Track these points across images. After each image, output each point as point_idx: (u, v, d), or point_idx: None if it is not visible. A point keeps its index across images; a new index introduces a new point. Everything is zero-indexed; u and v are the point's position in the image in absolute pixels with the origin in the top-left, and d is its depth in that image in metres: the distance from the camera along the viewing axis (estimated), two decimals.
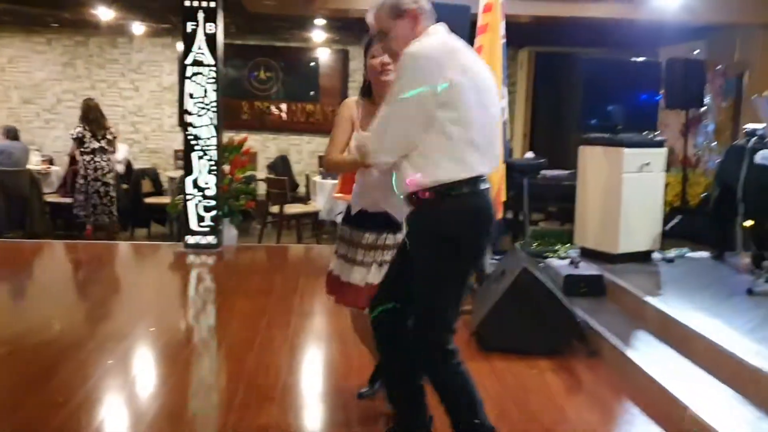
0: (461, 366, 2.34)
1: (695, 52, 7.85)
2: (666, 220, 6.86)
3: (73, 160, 7.59)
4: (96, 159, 7.31)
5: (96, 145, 7.27)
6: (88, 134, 7.25)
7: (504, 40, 4.44)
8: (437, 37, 2.29)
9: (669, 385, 3.00)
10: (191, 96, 6.12)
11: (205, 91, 6.11)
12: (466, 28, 5.20)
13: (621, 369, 3.44)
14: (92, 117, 7.41)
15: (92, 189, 7.27)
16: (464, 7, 5.31)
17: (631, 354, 3.43)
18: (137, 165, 9.44)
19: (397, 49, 2.30)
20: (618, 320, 3.94)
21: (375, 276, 2.67)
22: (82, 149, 7.26)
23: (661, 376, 3.11)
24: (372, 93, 2.71)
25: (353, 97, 2.80)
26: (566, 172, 6.91)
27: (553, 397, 3.17)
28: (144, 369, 3.57)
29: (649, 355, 3.42)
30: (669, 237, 6.23)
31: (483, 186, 2.28)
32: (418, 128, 2.21)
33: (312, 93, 10.34)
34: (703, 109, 7.46)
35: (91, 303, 4.92)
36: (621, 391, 3.25)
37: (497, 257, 5.29)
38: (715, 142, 7.57)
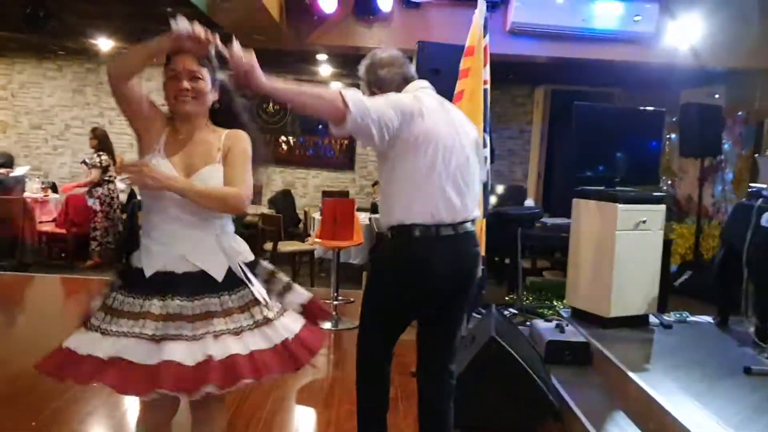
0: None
1: (715, 96, 7.47)
2: (676, 275, 6.46)
3: (92, 187, 7.54)
4: (113, 188, 7.55)
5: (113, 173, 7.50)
6: (111, 162, 7.46)
7: (487, 86, 4.15)
8: None
9: None
10: None
11: None
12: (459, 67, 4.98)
13: None
14: (108, 144, 7.56)
15: (117, 217, 7.46)
16: (456, 46, 5.08)
17: None
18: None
19: None
20: (598, 397, 3.56)
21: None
22: (106, 177, 7.44)
23: None
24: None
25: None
26: (568, 220, 6.56)
27: None
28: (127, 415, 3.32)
29: None
30: (678, 293, 5.83)
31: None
32: None
33: (321, 126, 10.17)
34: (720, 157, 7.06)
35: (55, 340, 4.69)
36: None
37: (483, 311, 4.98)
38: (733, 195, 7.14)
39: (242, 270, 2.12)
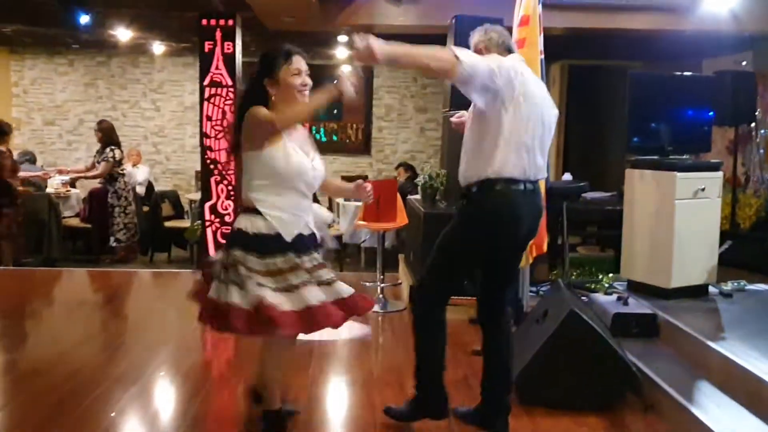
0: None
1: (743, 64, 7.39)
2: None
3: (108, 182, 7.45)
4: (127, 180, 7.50)
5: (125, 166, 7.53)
6: (122, 156, 7.45)
7: (542, 56, 4.06)
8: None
9: None
10: (209, 118, 5.84)
11: (224, 113, 5.83)
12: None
13: (683, 427, 3.01)
14: (115, 138, 7.43)
15: (133, 211, 7.45)
16: (495, 19, 4.99)
17: (695, 410, 2.99)
18: (158, 187, 9.24)
19: None
20: (676, 368, 3.50)
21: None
22: (119, 170, 7.40)
23: None
24: (270, 107, 2.60)
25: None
26: (608, 194, 6.49)
27: None
28: (165, 402, 3.34)
29: (715, 410, 2.99)
30: (719, 265, 5.78)
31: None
32: None
33: (335, 111, 10.07)
34: (752, 125, 6.98)
35: (110, 333, 4.70)
36: None
37: (533, 289, 4.92)
38: (766, 163, 7.08)
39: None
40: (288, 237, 2.57)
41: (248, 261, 2.52)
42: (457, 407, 3.08)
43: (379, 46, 2.34)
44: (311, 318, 2.50)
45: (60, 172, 7.85)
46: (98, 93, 9.96)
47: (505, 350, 2.93)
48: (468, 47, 4.64)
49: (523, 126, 2.62)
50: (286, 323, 2.45)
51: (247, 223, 2.58)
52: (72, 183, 8.85)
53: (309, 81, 2.65)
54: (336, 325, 2.58)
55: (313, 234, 2.69)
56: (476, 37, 2.86)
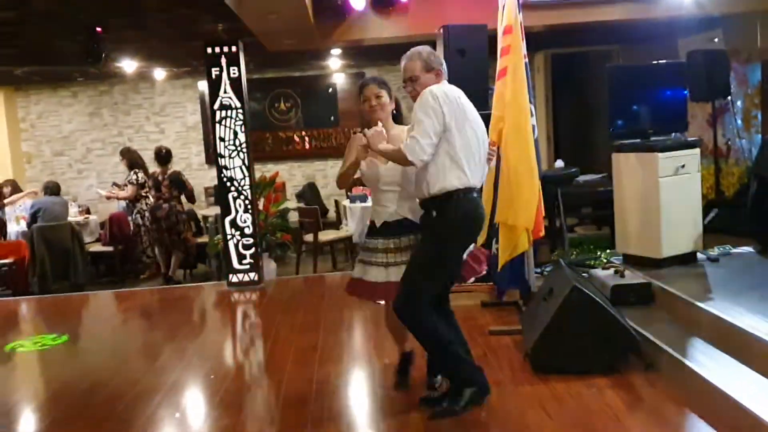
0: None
1: (714, 41, 7.79)
2: (703, 214, 6.81)
3: (133, 204, 7.92)
4: (150, 202, 7.82)
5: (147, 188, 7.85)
6: (146, 179, 7.84)
7: (526, 60, 4.46)
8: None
9: (735, 394, 2.99)
10: (222, 140, 6.24)
11: (235, 133, 6.23)
12: (484, 46, 5.28)
13: (681, 381, 3.42)
14: (140, 161, 7.90)
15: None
16: (481, 26, 5.39)
17: (691, 364, 3.41)
18: None
19: (421, 90, 3.09)
20: (671, 329, 3.92)
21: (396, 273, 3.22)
22: (142, 193, 7.83)
23: (725, 385, 3.09)
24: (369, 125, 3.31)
25: (359, 133, 3.34)
26: (598, 176, 6.91)
27: (617, 417, 3.18)
28: (209, 416, 3.64)
29: (709, 363, 3.40)
30: (707, 232, 6.17)
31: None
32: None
33: (332, 118, 10.47)
34: (729, 98, 7.39)
35: (147, 351, 5.02)
36: (684, 404, 3.24)
37: (538, 270, 5.32)
38: (745, 131, 7.49)
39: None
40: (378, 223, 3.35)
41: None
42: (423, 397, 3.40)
43: (374, 142, 3.10)
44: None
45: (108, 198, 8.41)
46: (103, 121, 10.35)
47: (456, 330, 3.32)
48: (462, 50, 5.06)
49: (474, 143, 3.09)
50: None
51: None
52: (87, 210, 9.27)
53: (375, 102, 3.35)
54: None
55: (401, 220, 3.31)
56: (428, 62, 3.17)
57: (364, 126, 3.33)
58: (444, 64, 3.22)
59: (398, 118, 3.53)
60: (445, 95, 3.01)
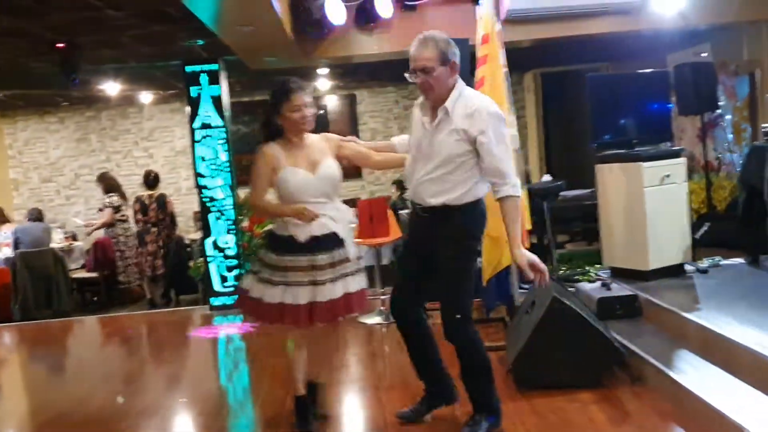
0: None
1: (703, 55, 7.75)
2: (694, 228, 6.71)
3: (109, 227, 7.76)
4: (126, 227, 7.71)
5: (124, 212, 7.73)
6: (122, 203, 7.73)
7: (506, 69, 4.38)
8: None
9: (721, 406, 2.85)
10: (203, 159, 6.15)
11: (217, 152, 6.14)
12: (467, 60, 5.22)
13: (668, 394, 3.29)
14: (116, 185, 7.78)
15: (137, 254, 7.58)
16: (463, 41, 5.33)
17: (678, 377, 3.27)
18: None
19: (435, 85, 2.83)
20: (658, 341, 3.79)
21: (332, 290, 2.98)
22: (119, 217, 7.68)
23: (712, 397, 2.95)
24: (284, 134, 3.02)
25: (269, 145, 3.02)
26: (587, 191, 6.80)
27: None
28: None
29: (695, 375, 3.27)
30: (700, 246, 6.05)
31: None
32: None
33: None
34: (718, 111, 7.32)
35: (124, 377, 4.86)
36: (670, 418, 3.10)
37: (525, 286, 5.19)
38: (735, 145, 7.41)
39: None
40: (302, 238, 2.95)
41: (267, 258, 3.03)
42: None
43: None
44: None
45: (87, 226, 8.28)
46: (91, 147, 10.28)
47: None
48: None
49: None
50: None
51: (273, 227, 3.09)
52: (74, 237, 9.15)
53: (309, 113, 2.97)
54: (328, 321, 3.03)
55: (329, 234, 2.97)
56: (451, 51, 2.88)
57: (275, 137, 3.02)
58: (458, 55, 2.91)
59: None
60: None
